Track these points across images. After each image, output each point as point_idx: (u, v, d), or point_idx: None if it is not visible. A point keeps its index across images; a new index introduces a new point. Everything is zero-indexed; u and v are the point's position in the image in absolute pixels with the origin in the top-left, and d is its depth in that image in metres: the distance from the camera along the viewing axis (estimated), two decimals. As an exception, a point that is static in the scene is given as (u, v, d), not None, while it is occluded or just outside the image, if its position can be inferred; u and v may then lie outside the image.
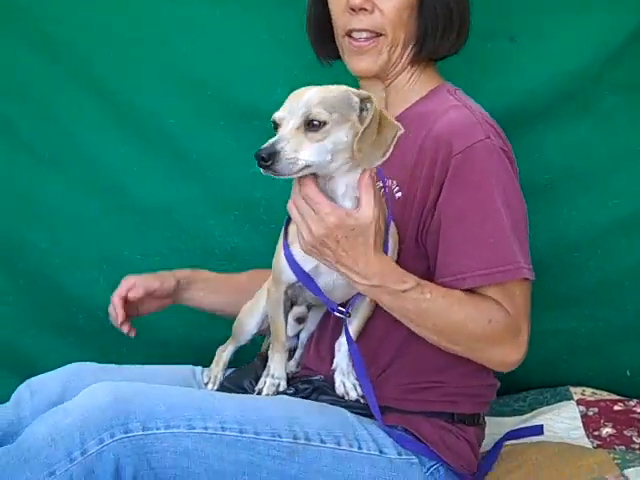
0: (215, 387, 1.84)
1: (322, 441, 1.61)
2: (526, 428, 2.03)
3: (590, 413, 2.16)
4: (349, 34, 1.77)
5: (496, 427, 1.89)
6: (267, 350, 1.79)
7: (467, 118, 1.69)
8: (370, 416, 1.68)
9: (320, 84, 2.16)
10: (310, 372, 1.80)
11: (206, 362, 1.95)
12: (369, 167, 1.51)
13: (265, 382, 1.72)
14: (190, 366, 1.97)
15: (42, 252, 2.40)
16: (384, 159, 1.49)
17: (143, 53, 2.27)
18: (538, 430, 1.98)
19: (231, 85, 2.25)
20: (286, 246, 1.63)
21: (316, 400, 1.71)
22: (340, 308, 1.65)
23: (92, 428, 1.48)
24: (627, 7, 2.07)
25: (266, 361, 1.78)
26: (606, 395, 2.25)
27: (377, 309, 1.69)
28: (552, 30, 2.11)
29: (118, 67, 2.28)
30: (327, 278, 1.62)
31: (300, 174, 1.48)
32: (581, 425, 2.09)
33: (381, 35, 1.75)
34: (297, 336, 1.86)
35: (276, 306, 1.70)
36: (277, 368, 1.73)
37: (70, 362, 1.91)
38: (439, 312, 1.62)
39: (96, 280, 2.38)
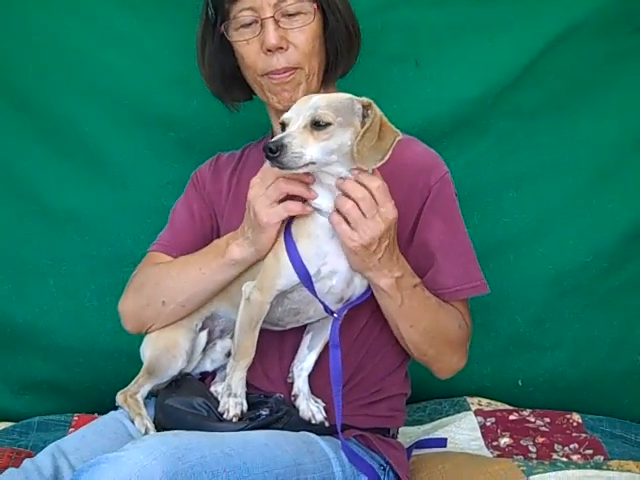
0: (154, 431, 1.61)
1: None
2: (431, 439, 1.96)
3: (488, 423, 2.09)
4: (267, 74, 1.70)
5: (400, 437, 1.79)
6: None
7: (431, 151, 1.74)
8: (331, 433, 1.62)
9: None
10: (258, 391, 1.65)
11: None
12: (368, 169, 1.45)
13: (228, 402, 1.56)
14: (114, 415, 1.72)
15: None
16: (383, 162, 1.44)
17: (61, 60, 2.12)
18: (442, 443, 1.91)
19: (148, 95, 2.12)
20: (292, 247, 1.51)
21: (288, 423, 1.59)
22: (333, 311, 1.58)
23: None
24: (524, 40, 2.07)
25: (202, 380, 1.71)
26: (500, 405, 2.20)
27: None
28: (454, 57, 2.08)
29: (35, 74, 2.12)
30: (323, 285, 1.53)
31: (304, 169, 1.43)
32: (480, 436, 2.04)
33: (297, 68, 1.69)
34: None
35: (257, 317, 1.55)
36: (239, 387, 1.57)
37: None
38: (432, 312, 1.62)
39: (1, 285, 2.20)
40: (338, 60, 1.75)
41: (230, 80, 1.81)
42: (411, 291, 1.58)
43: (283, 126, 1.46)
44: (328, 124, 1.42)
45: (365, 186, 1.46)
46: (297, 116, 1.44)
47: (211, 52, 1.78)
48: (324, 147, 1.42)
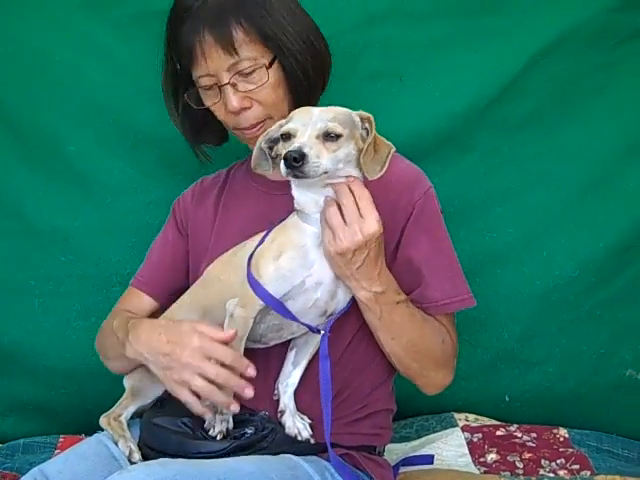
0: (140, 455, 1.63)
1: None
2: (417, 456, 1.97)
3: (475, 439, 2.10)
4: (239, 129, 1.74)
5: (387, 454, 1.81)
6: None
7: (414, 167, 1.76)
8: (315, 452, 1.63)
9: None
10: (243, 408, 1.63)
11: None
12: (371, 179, 1.50)
13: (214, 419, 1.56)
14: (98, 437, 1.72)
15: None
16: (382, 173, 1.49)
17: (46, 78, 2.11)
18: (429, 460, 1.93)
19: (133, 113, 2.12)
20: (250, 274, 1.55)
21: (273, 441, 1.60)
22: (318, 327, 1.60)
23: None
24: (508, 53, 2.07)
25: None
26: (487, 421, 2.21)
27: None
28: (438, 72, 2.09)
29: (19, 92, 2.12)
30: (308, 298, 1.56)
31: (318, 179, 1.46)
32: (467, 452, 2.05)
33: (267, 119, 1.71)
34: None
35: (241, 333, 1.56)
36: None
37: None
38: (416, 327, 1.63)
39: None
40: (307, 96, 1.74)
41: (202, 123, 1.84)
42: (392, 306, 1.59)
43: (288, 136, 1.49)
44: (339, 136, 1.46)
45: (352, 193, 1.50)
46: (304, 127, 1.47)
47: (183, 102, 1.80)
48: (334, 158, 1.46)
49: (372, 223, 1.50)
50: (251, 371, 1.53)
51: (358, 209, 1.50)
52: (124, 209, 2.19)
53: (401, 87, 2.10)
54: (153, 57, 2.07)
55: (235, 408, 1.54)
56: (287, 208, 1.61)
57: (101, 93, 2.14)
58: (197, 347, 1.52)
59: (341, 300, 1.60)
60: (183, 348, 1.53)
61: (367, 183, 1.53)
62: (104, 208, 2.19)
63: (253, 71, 1.67)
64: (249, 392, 1.52)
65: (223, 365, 1.52)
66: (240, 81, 1.67)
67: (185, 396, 1.54)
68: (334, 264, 1.54)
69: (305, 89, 1.72)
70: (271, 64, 1.67)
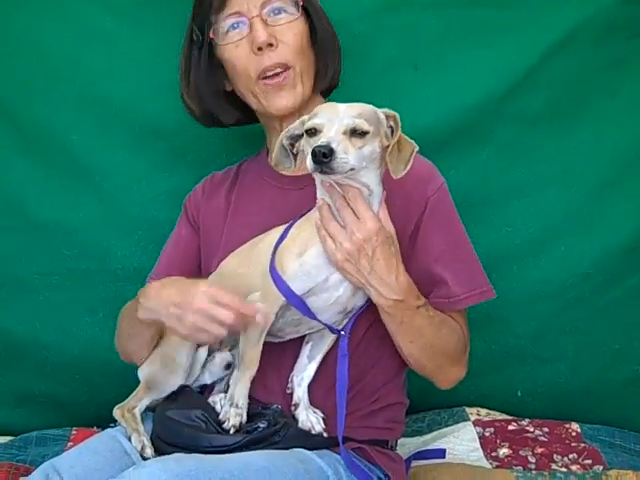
0: (152, 450, 1.64)
1: None
2: (429, 450, 2.00)
3: (487, 434, 2.13)
4: (262, 76, 1.75)
5: (399, 448, 1.83)
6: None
7: (427, 161, 1.77)
8: (327, 446, 1.65)
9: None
10: (256, 402, 1.67)
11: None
12: (395, 178, 1.52)
13: (230, 412, 1.59)
14: (110, 432, 1.73)
15: None
16: (405, 172, 1.51)
17: (46, 67, 2.11)
18: (441, 454, 1.96)
19: (137, 104, 2.12)
20: (274, 270, 1.57)
21: (285, 435, 1.61)
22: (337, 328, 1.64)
23: None
24: (525, 45, 2.08)
25: (201, 392, 1.73)
26: (499, 415, 2.23)
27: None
28: (453, 63, 2.09)
29: (19, 81, 2.13)
30: (330, 295, 1.58)
31: (345, 175, 1.48)
32: (479, 446, 2.07)
33: (289, 68, 1.74)
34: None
35: (262, 327, 1.58)
36: (242, 397, 1.60)
37: None
38: (434, 329, 1.66)
39: (-8, 301, 2.20)
40: (328, 65, 1.80)
41: (215, 104, 1.87)
42: (413, 312, 1.62)
43: (314, 132, 1.50)
44: (366, 133, 1.48)
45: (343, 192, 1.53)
46: (330, 122, 1.48)
47: (197, 77, 1.84)
48: (359, 154, 1.48)
49: (367, 221, 1.53)
50: (259, 318, 1.56)
51: (353, 212, 1.53)
52: (129, 201, 2.19)
53: (416, 77, 2.10)
54: (159, 44, 2.09)
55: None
56: (299, 203, 1.64)
57: (103, 82, 2.14)
58: (205, 291, 1.55)
59: (361, 296, 1.63)
60: (193, 295, 1.55)
61: (385, 178, 1.55)
62: (108, 200, 2.19)
63: (282, 11, 1.75)
64: (259, 318, 1.56)
65: None
66: (269, 19, 1.73)
67: (205, 340, 1.61)
68: (347, 274, 1.57)
69: (329, 55, 1.79)
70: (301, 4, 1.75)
